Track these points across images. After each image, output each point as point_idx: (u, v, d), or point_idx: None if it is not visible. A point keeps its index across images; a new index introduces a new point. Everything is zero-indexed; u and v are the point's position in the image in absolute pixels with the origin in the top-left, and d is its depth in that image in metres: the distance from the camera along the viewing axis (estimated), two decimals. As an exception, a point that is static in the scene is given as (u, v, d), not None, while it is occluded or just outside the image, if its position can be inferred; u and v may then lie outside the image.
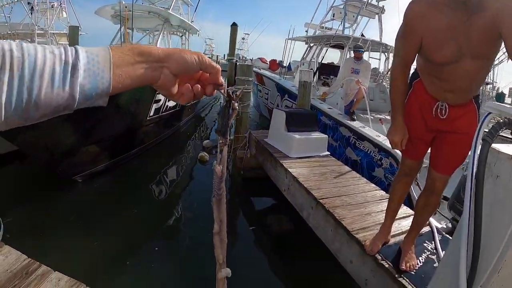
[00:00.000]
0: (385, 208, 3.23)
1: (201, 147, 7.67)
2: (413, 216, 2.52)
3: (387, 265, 2.38)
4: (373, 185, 4.01)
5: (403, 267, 2.35)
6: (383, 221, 2.88)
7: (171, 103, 7.15)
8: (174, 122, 8.34)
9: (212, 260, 0.90)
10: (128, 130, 5.85)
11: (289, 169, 4.19)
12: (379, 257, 2.47)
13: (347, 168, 4.55)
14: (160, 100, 6.48)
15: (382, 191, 3.84)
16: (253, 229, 4.51)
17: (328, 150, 5.16)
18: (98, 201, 4.83)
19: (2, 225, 1.99)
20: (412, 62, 2.03)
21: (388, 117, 7.41)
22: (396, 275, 2.27)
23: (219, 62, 16.28)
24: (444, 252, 2.52)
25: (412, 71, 2.15)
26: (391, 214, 2.59)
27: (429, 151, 2.24)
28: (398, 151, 4.55)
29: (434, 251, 2.63)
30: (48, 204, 4.41)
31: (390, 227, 2.66)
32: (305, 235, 3.99)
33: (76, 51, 0.58)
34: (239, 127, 5.87)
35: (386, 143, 4.86)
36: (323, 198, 3.44)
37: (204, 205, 5.01)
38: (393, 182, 2.53)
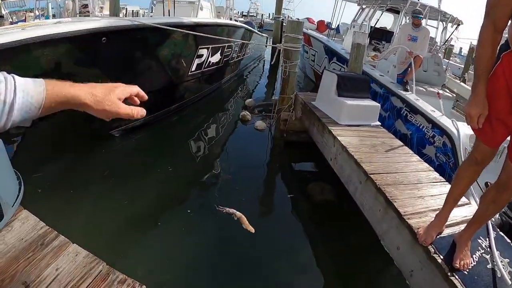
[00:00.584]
0: (438, 193, 2.94)
1: (243, 106, 7.44)
2: (476, 210, 2.20)
3: (439, 260, 2.13)
4: (426, 164, 3.62)
5: (457, 264, 2.10)
6: (436, 207, 2.65)
7: (214, 59, 6.89)
8: (216, 78, 8.08)
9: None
10: (169, 84, 5.68)
11: (338, 137, 3.89)
12: (431, 249, 2.21)
13: (398, 142, 4.17)
14: (202, 55, 6.25)
15: (435, 172, 3.44)
16: (291, 197, 4.31)
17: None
18: (133, 158, 4.78)
19: (22, 186, 1.85)
20: (504, 28, 1.66)
21: (447, 92, 6.89)
22: (448, 273, 2.04)
23: (263, 21, 15.52)
24: (498, 252, 2.27)
25: (502, 41, 1.79)
26: (451, 204, 2.28)
27: (508, 139, 1.86)
28: (455, 131, 4.23)
29: (488, 249, 2.32)
30: (82, 160, 4.37)
31: (447, 217, 2.36)
32: (348, 210, 3.79)
33: (15, 90, 0.68)
34: (285, 87, 5.52)
35: (442, 120, 4.45)
36: (374, 173, 3.13)
37: (242, 167, 4.89)
38: (459, 169, 2.20)
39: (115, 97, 0.82)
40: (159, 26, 4.50)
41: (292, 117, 5.59)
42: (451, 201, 2.28)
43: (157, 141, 5.36)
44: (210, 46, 6.47)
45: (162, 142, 5.36)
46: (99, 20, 4.11)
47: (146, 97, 0.92)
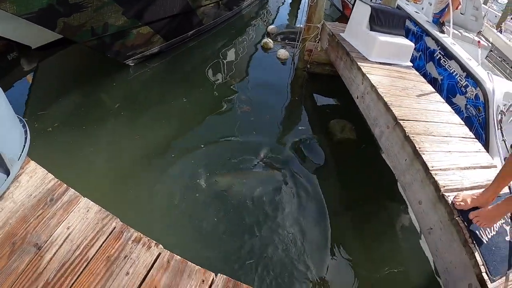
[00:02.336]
0: (467, 150, 2.74)
1: (265, 33, 6.93)
2: (500, 169, 2.02)
3: (461, 224, 1.99)
4: (457, 117, 3.31)
5: (472, 217, 1.99)
6: (463, 165, 2.49)
7: None
8: (236, 3, 7.45)
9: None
10: (185, 10, 5.20)
11: (368, 75, 3.57)
12: (455, 212, 2.07)
13: (430, 87, 3.82)
14: None
15: (466, 127, 3.14)
16: (311, 132, 4.17)
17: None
18: (147, 88, 4.50)
19: (28, 135, 1.64)
20: None
21: (482, 41, 6.25)
22: (468, 239, 1.92)
23: None
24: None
25: None
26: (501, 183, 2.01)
27: None
28: (490, 86, 3.82)
29: (509, 220, 2.15)
30: (95, 93, 4.11)
31: (493, 196, 2.08)
32: (367, 152, 3.60)
33: None
34: (312, 15, 5.03)
35: (478, 70, 4.02)
36: (403, 120, 2.89)
37: (262, 98, 4.66)
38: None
39: None
40: None
41: (318, 47, 5.18)
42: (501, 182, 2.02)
43: (173, 70, 5.07)
44: None
45: (179, 70, 5.05)
46: None
47: None
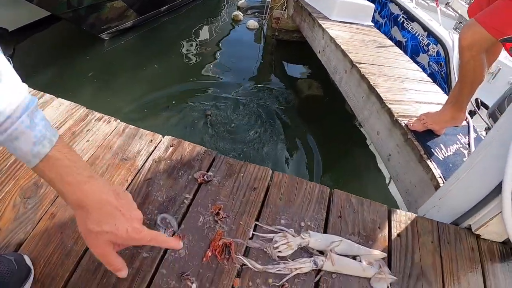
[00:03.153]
0: (424, 90, 2.89)
1: (236, 7, 7.03)
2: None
3: (415, 142, 2.08)
4: (416, 65, 3.47)
5: (421, 118, 2.13)
6: (420, 100, 2.62)
7: None
8: None
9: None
10: None
11: (327, 30, 3.71)
12: (408, 132, 2.16)
13: (390, 42, 4.00)
14: None
15: (424, 73, 3.29)
16: (281, 91, 4.34)
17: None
18: (120, 59, 4.59)
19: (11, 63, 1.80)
20: None
21: (450, 11, 6.49)
22: (424, 155, 2.00)
23: None
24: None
25: None
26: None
27: None
28: (450, 41, 4.05)
29: (467, 146, 2.24)
30: (69, 65, 4.20)
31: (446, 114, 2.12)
32: (333, 103, 3.82)
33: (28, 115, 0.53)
34: None
35: (438, 29, 4.21)
36: (359, 63, 3.04)
37: (234, 65, 4.81)
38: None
39: (107, 241, 0.60)
40: None
41: (285, 15, 5.32)
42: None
43: (147, 43, 5.17)
44: None
45: (152, 44, 5.16)
46: None
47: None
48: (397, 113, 2.38)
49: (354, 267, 0.97)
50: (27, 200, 1.04)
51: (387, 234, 1.13)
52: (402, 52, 3.77)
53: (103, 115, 1.34)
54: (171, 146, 1.30)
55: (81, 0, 4.11)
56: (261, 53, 5.46)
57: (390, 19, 5.18)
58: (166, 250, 0.95)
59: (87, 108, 1.37)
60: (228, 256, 0.93)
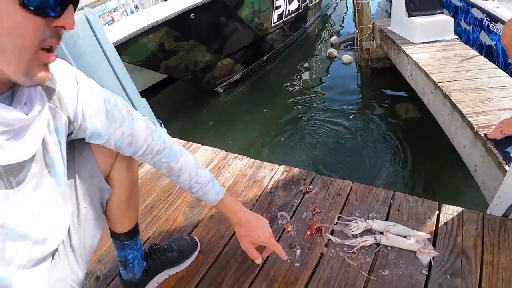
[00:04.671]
0: (508, 95, 2.91)
1: (329, 44, 7.54)
2: None
3: (494, 150, 2.21)
4: (501, 71, 3.49)
5: (498, 126, 2.22)
6: (501, 107, 2.68)
7: (292, 7, 7.05)
8: (299, 24, 8.19)
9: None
10: (256, 39, 6.11)
11: (411, 55, 4.01)
12: (488, 142, 2.29)
13: (474, 52, 4.02)
14: (280, 6, 6.47)
15: (509, 77, 3.30)
16: (380, 117, 4.71)
17: (461, 36, 4.61)
18: (234, 107, 5.47)
19: (163, 127, 2.54)
20: None
21: None
22: (502, 161, 2.11)
23: None
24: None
25: None
26: None
27: None
28: None
29: None
30: (195, 115, 5.19)
31: None
32: (429, 122, 4.05)
33: (203, 185, 1.12)
34: (361, 18, 5.57)
35: None
36: (441, 82, 3.28)
37: (335, 99, 5.29)
38: None
39: (249, 242, 1.19)
40: None
41: (374, 45, 5.66)
42: None
43: (255, 91, 5.99)
44: None
45: (260, 90, 5.96)
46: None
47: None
48: (477, 125, 2.54)
49: (404, 242, 1.40)
50: (193, 208, 1.77)
51: (435, 222, 1.49)
52: (486, 60, 3.79)
53: (238, 154, 2.06)
54: (285, 172, 1.93)
55: (197, 64, 5.12)
56: (360, 84, 5.83)
57: (475, 24, 5.03)
58: (282, 232, 1.56)
59: (225, 151, 2.12)
60: (320, 234, 1.50)
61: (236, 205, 1.17)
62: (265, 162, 2.01)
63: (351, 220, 1.55)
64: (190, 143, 2.30)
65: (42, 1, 0.53)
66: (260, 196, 1.80)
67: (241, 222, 1.16)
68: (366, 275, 1.31)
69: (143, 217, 1.73)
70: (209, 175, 1.12)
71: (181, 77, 5.21)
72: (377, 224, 1.49)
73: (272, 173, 1.93)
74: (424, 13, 4.52)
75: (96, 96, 0.83)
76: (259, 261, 1.22)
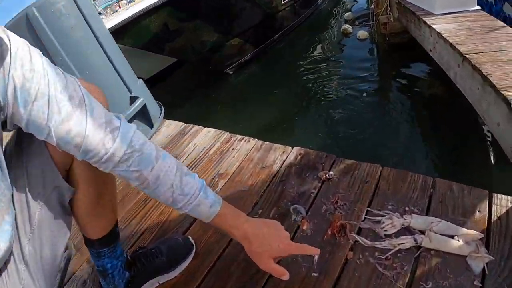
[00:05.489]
0: None
1: (343, 20, 7.10)
2: None
3: None
4: None
5: None
6: None
7: None
8: (311, 1, 7.76)
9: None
10: (266, 17, 5.78)
11: (433, 26, 3.62)
12: None
13: (501, 23, 3.58)
14: None
15: None
16: (400, 94, 4.39)
17: (483, 8, 4.20)
18: (247, 89, 5.17)
19: (163, 109, 2.34)
20: None
21: None
22: None
23: None
24: None
25: None
26: None
27: None
28: None
29: None
30: (203, 98, 4.93)
31: None
32: (456, 98, 3.70)
33: (193, 199, 0.83)
34: None
35: None
36: (470, 53, 2.91)
37: (352, 76, 4.96)
38: None
39: (268, 257, 0.89)
40: None
41: (391, 19, 5.21)
42: None
43: (267, 71, 5.67)
44: None
45: (272, 70, 5.63)
46: None
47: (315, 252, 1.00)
48: (515, 99, 2.21)
49: (451, 244, 1.08)
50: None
51: (486, 217, 1.18)
52: (514, 31, 3.39)
53: (243, 136, 1.75)
54: (299, 155, 1.61)
55: (204, 45, 4.81)
56: (377, 60, 5.50)
57: None
58: (296, 230, 1.25)
59: (229, 133, 1.81)
60: (344, 234, 1.17)
61: (239, 216, 0.91)
62: (275, 144, 1.70)
63: (383, 215, 1.22)
64: (191, 125, 2.04)
65: None
66: (268, 185, 1.48)
67: (250, 237, 0.89)
68: (404, 288, 1.00)
69: (135, 212, 1.51)
70: (199, 182, 0.86)
71: (188, 59, 4.90)
72: (416, 221, 1.16)
73: (283, 156, 1.62)
74: (446, -20, 4.08)
75: (36, 74, 0.64)
76: (287, 277, 0.90)
